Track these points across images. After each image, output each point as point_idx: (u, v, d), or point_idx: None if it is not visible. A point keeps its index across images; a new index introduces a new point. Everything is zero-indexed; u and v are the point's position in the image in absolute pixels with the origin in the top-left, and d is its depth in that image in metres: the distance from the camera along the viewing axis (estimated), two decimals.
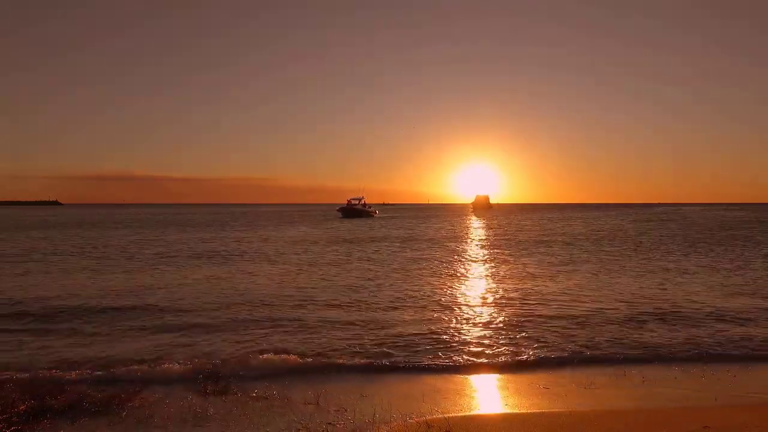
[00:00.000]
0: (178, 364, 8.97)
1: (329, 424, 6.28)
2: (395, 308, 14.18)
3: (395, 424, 6.24)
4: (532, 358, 9.66)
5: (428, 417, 6.38)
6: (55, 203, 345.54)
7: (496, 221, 76.60)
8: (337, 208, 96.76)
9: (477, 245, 35.37)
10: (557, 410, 6.74)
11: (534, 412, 6.68)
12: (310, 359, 9.43)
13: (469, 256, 28.36)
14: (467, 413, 6.74)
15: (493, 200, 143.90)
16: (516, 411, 6.85)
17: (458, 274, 20.99)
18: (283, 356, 9.53)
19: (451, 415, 6.59)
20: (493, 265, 24.31)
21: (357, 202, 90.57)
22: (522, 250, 31.43)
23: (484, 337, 11.15)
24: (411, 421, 6.30)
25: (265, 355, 9.52)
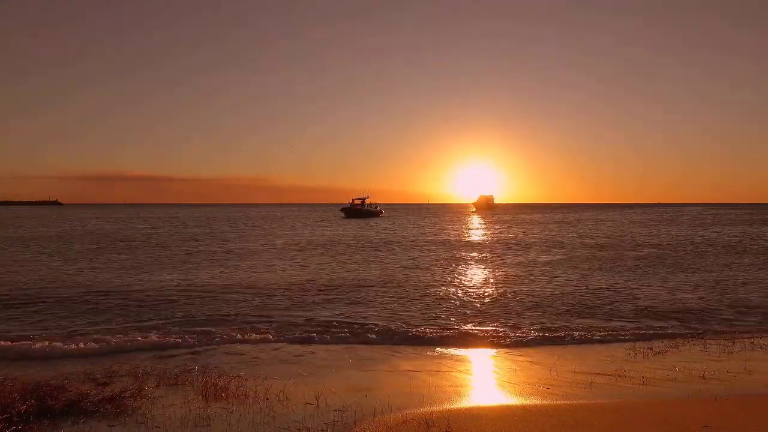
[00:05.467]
0: (179, 363, 8.97)
1: (328, 424, 6.28)
2: (397, 300, 14.19)
3: (395, 422, 6.23)
4: (532, 354, 9.65)
5: (428, 414, 6.38)
6: (56, 203, 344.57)
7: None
8: (340, 208, 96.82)
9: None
10: (558, 407, 6.73)
11: (534, 409, 6.67)
12: (310, 358, 9.44)
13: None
14: (467, 411, 6.73)
15: (496, 200, 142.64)
16: (516, 407, 6.83)
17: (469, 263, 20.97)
18: (284, 355, 9.52)
19: (451, 408, 6.61)
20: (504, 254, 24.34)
21: (360, 202, 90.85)
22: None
23: (485, 334, 11.14)
24: (411, 419, 6.30)
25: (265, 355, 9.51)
